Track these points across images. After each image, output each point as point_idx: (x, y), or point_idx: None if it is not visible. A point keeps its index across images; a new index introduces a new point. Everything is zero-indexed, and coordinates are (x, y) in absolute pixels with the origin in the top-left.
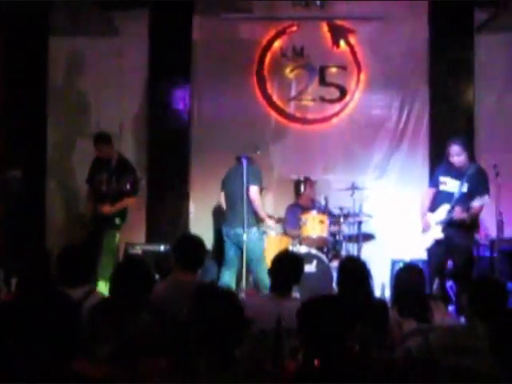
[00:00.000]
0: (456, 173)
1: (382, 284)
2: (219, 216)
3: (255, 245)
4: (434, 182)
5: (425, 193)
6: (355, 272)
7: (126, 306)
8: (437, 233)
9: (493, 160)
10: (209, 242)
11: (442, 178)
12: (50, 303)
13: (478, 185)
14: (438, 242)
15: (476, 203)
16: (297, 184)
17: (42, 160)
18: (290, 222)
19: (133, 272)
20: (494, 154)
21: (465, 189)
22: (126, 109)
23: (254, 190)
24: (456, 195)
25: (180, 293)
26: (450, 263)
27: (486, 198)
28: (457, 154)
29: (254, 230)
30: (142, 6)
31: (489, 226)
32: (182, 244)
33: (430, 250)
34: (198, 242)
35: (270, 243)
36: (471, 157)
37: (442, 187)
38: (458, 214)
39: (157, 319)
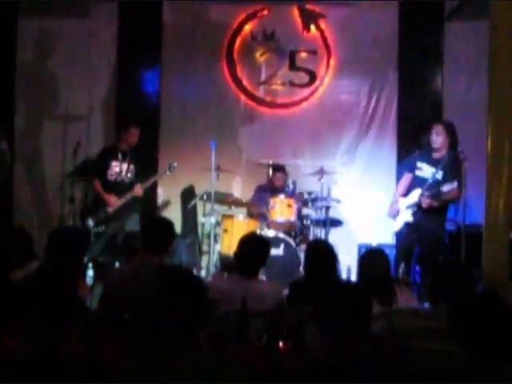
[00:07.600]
0: (433, 160)
1: (347, 268)
2: (188, 199)
3: None
4: (410, 166)
5: (402, 178)
6: (322, 254)
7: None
8: (407, 216)
9: (460, 146)
10: (177, 225)
11: (418, 164)
12: None
13: (451, 172)
14: (407, 225)
15: (445, 188)
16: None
17: (9, 144)
18: (258, 201)
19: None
20: (461, 140)
21: (439, 176)
22: (96, 91)
23: None
24: (429, 181)
25: (145, 274)
26: (417, 248)
27: (454, 183)
28: (436, 133)
29: None
30: None
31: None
32: (150, 226)
33: (398, 234)
34: (166, 224)
35: (238, 227)
36: (453, 146)
37: (417, 172)
38: (426, 202)
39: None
